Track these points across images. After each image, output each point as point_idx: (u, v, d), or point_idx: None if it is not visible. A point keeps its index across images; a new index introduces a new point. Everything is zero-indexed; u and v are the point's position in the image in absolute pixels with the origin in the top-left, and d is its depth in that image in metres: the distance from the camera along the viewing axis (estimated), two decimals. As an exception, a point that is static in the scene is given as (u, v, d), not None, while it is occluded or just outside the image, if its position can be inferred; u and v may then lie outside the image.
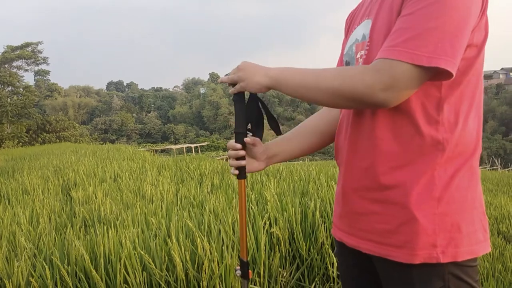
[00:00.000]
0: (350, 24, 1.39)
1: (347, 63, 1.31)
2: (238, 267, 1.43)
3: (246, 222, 2.60)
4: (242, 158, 1.36)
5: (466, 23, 1.01)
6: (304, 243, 2.95)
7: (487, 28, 1.10)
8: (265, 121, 1.41)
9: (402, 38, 1.01)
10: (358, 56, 1.23)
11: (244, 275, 1.42)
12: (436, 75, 1.02)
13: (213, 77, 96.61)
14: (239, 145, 1.35)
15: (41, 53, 44.30)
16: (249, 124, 1.38)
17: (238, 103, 1.35)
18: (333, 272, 2.86)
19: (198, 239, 2.65)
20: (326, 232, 3.05)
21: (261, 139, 1.41)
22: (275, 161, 1.46)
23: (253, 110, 1.37)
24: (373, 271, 1.23)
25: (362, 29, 1.24)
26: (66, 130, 45.31)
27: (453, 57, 0.99)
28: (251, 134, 1.40)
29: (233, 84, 1.31)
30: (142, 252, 2.57)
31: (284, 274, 2.84)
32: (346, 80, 1.07)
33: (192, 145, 50.01)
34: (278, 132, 1.44)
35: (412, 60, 0.99)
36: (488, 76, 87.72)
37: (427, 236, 1.08)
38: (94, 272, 2.46)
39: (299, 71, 1.18)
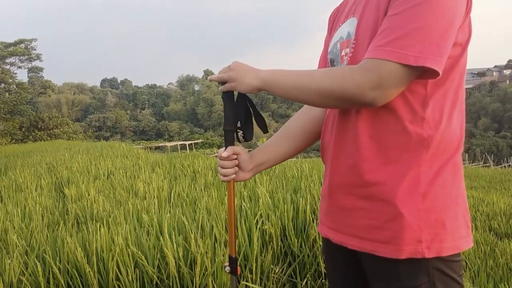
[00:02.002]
0: (334, 22, 1.39)
1: (332, 61, 1.32)
2: (227, 264, 1.45)
3: (236, 219, 2.60)
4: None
5: (452, 23, 1.03)
6: (296, 240, 2.96)
7: (471, 28, 1.12)
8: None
9: (390, 37, 1.02)
10: (343, 54, 1.24)
11: (233, 271, 1.44)
12: (423, 73, 1.04)
13: (208, 74, 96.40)
14: (229, 153, 1.35)
15: (35, 49, 44.11)
16: (239, 123, 1.39)
17: (227, 101, 1.35)
18: (324, 268, 2.88)
19: (192, 235, 2.66)
20: (318, 229, 3.06)
21: (250, 138, 1.42)
22: (262, 168, 1.45)
23: (241, 108, 1.38)
24: (359, 267, 1.25)
25: (347, 27, 1.24)
26: (59, 127, 45.12)
27: (439, 56, 1.01)
28: (241, 132, 1.41)
29: (223, 82, 1.32)
30: (134, 249, 2.58)
31: (276, 271, 2.86)
32: (336, 80, 1.08)
33: (187, 142, 50.06)
34: (265, 130, 1.45)
35: (400, 60, 1.01)
36: (481, 74, 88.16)
37: (412, 231, 1.09)
38: (87, 268, 2.46)
39: (289, 73, 1.19)
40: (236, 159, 1.37)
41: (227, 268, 1.44)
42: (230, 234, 1.45)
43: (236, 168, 1.38)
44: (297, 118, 1.50)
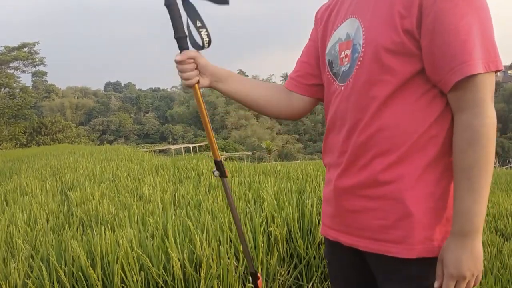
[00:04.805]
0: (327, 21, 1.36)
1: (330, 63, 1.30)
2: (215, 169, 1.45)
3: (240, 221, 2.56)
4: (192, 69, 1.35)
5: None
6: (302, 242, 2.94)
7: None
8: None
9: (465, 52, 1.02)
10: (343, 55, 1.23)
11: (222, 174, 1.45)
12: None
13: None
14: (184, 57, 1.32)
15: (38, 53, 44.24)
16: (198, 22, 1.33)
17: (172, 7, 1.30)
18: (327, 272, 2.85)
19: (197, 238, 2.65)
20: (324, 231, 3.03)
21: (203, 46, 1.35)
22: (217, 87, 1.42)
23: (193, 10, 1.33)
24: (365, 271, 1.24)
25: (346, 28, 1.23)
26: (61, 132, 45.25)
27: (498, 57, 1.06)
28: (205, 29, 1.34)
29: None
30: (139, 251, 2.56)
31: (282, 273, 2.84)
32: (480, 150, 1.03)
33: (190, 145, 50.07)
34: (226, 2, 1.36)
35: (488, 69, 1.02)
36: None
37: (424, 230, 1.09)
38: (92, 271, 2.45)
39: (474, 204, 1.04)
40: (194, 62, 1.34)
41: (216, 172, 1.44)
42: (209, 140, 1.43)
43: (197, 72, 1.35)
44: (281, 89, 1.49)
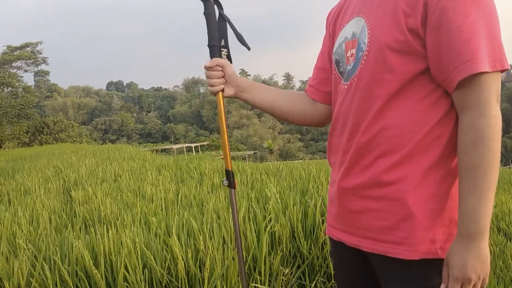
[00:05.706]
0: (336, 22, 1.37)
1: (337, 62, 1.30)
2: (224, 179, 1.48)
3: (244, 221, 2.57)
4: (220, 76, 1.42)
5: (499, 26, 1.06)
6: (305, 242, 2.94)
7: None
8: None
9: (470, 50, 1.01)
10: (349, 54, 1.22)
11: (231, 185, 1.48)
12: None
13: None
14: (213, 63, 1.39)
15: (41, 53, 44.27)
16: (223, 41, 1.42)
17: (210, 16, 1.37)
18: (334, 272, 2.85)
19: (201, 237, 2.65)
20: (327, 230, 3.03)
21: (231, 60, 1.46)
22: (242, 97, 1.47)
23: (224, 28, 1.42)
24: (369, 271, 1.24)
25: (352, 27, 1.23)
26: (64, 131, 45.32)
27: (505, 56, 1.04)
28: (225, 50, 1.44)
29: None
30: (144, 248, 2.56)
31: (285, 273, 2.84)
32: (482, 146, 1.01)
33: (192, 145, 50.04)
34: (248, 47, 1.47)
35: (494, 68, 1.01)
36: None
37: (426, 231, 1.08)
38: (95, 270, 2.45)
39: (479, 203, 1.02)
40: (222, 71, 1.41)
41: (225, 182, 1.47)
42: (223, 149, 1.47)
43: (224, 80, 1.42)
44: (306, 97, 1.50)
